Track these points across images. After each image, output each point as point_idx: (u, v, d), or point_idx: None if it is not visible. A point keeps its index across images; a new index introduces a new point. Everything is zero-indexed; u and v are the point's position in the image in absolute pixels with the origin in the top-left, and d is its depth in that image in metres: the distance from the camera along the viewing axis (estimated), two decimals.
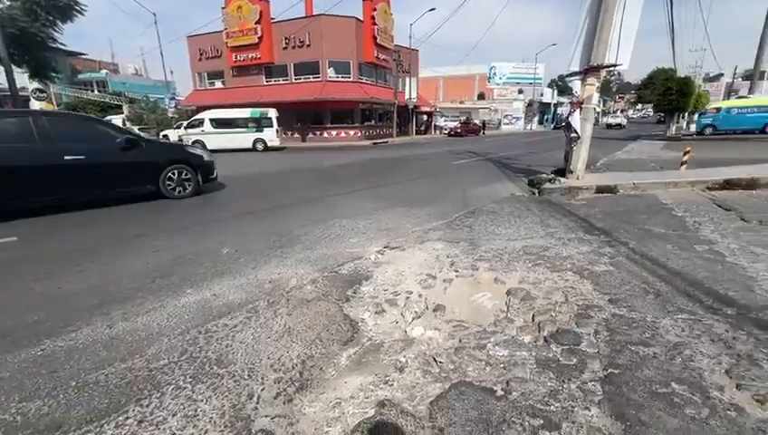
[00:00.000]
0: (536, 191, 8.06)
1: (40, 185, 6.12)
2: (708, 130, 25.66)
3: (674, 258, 3.76)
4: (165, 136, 27.78)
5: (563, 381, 2.06)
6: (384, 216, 6.36)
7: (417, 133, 40.29)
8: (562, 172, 8.96)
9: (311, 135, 30.90)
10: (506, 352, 2.42)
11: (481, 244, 4.72)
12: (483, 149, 19.81)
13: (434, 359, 2.43)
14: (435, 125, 45.57)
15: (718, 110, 25.99)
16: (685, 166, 8.63)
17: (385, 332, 2.84)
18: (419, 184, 9.79)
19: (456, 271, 3.93)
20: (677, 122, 30.87)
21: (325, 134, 30.78)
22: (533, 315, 2.91)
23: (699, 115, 26.98)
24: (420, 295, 3.44)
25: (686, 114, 30.26)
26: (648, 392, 1.91)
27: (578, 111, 8.12)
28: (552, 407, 1.86)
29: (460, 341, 2.65)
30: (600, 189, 7.43)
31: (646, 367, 2.12)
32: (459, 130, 37.69)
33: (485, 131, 42.92)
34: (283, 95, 30.04)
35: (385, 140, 30.82)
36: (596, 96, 8.14)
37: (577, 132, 8.15)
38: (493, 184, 9.46)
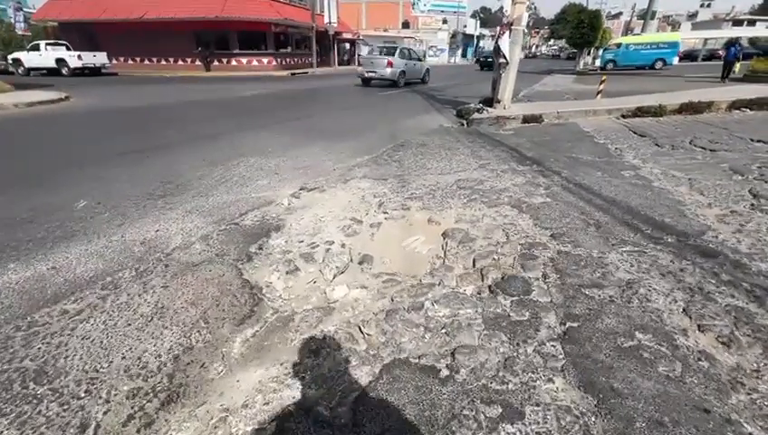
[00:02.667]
0: (465, 122, 7.68)
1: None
2: (610, 66, 27.56)
3: (606, 186, 3.62)
4: (16, 61, 21.66)
5: (518, 344, 1.68)
6: (301, 152, 5.45)
7: (339, 64, 37.29)
8: (490, 102, 8.65)
9: (216, 63, 26.58)
10: (448, 311, 1.97)
11: (411, 180, 4.19)
12: (411, 83, 18.83)
13: (360, 329, 1.89)
14: (359, 55, 42.53)
15: (619, 45, 27.81)
16: (600, 95, 8.87)
17: (299, 297, 2.22)
18: (343, 116, 8.80)
19: (385, 212, 3.37)
20: (585, 58, 32.69)
21: (234, 62, 26.70)
22: (474, 260, 2.50)
23: (603, 50, 28.69)
24: (344, 245, 2.83)
25: (592, 50, 32.03)
26: (614, 349, 1.60)
27: (507, 33, 7.60)
28: (509, 385, 1.45)
29: (392, 300, 2.14)
30: (526, 119, 7.28)
31: (605, 315, 1.82)
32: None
33: None
34: (175, 10, 24.74)
35: (304, 70, 27.84)
36: (525, 16, 7.64)
37: (506, 57, 7.71)
38: (421, 116, 8.86)
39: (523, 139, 6.01)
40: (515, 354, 1.62)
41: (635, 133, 5.81)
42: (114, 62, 25.21)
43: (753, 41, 35.83)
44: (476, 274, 2.35)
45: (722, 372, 1.46)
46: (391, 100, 11.98)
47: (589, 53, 33.86)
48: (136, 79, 19.96)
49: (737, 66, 13.26)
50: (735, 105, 6.69)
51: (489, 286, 2.18)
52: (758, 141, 4.74)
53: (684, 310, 1.83)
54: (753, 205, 2.94)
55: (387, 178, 4.30)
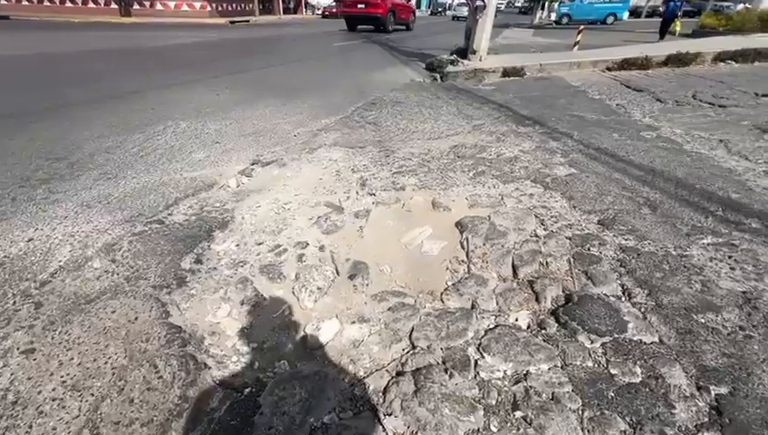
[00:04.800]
0: (439, 76, 6.77)
1: None
2: (565, 20, 27.28)
3: (633, 151, 3.02)
4: None
5: None
6: (250, 112, 4.32)
7: (285, 13, 33.70)
8: (463, 53, 7.75)
9: (136, 7, 22.63)
10: (510, 369, 1.25)
11: (395, 147, 3.33)
12: (365, 31, 17.17)
13: (378, 420, 1.12)
14: (306, 3, 38.68)
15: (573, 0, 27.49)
16: (577, 47, 8.28)
17: (263, 345, 1.39)
18: (297, 69, 7.48)
19: (372, 194, 2.54)
20: (541, 12, 32.10)
21: (158, 5, 22.87)
22: (515, 266, 1.79)
23: (558, 5, 28.28)
24: (323, 248, 2.00)
25: (547, 3, 31.42)
26: None
27: None
28: None
29: (413, 345, 1.38)
30: (506, 72, 6.52)
31: (754, 365, 1.19)
32: (335, 11, 32.76)
33: None
34: None
35: (245, 18, 24.60)
36: None
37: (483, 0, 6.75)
38: (387, 69, 7.77)
39: (509, 94, 5.28)
40: None
41: (629, 88, 5.29)
42: (3, 2, 20.61)
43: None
44: (524, 289, 1.64)
45: None
46: (350, 51, 10.63)
47: (543, 7, 33.29)
48: (32, 24, 16.34)
49: (677, 24, 12.56)
50: (721, 57, 6.39)
51: (554, 313, 1.48)
52: (763, 96, 4.38)
53: None
54: None
55: (364, 145, 3.41)
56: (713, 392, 1.11)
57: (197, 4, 23.35)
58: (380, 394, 1.21)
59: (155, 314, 1.50)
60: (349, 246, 2.05)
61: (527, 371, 1.23)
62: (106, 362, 1.27)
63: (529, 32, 21.06)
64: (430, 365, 1.29)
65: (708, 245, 1.81)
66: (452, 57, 7.38)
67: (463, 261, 1.88)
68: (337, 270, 1.86)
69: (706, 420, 1.04)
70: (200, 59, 8.24)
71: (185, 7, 23.16)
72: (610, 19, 26.01)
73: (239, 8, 26.36)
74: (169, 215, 2.23)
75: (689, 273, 1.62)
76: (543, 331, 1.40)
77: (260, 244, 2.04)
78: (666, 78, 5.72)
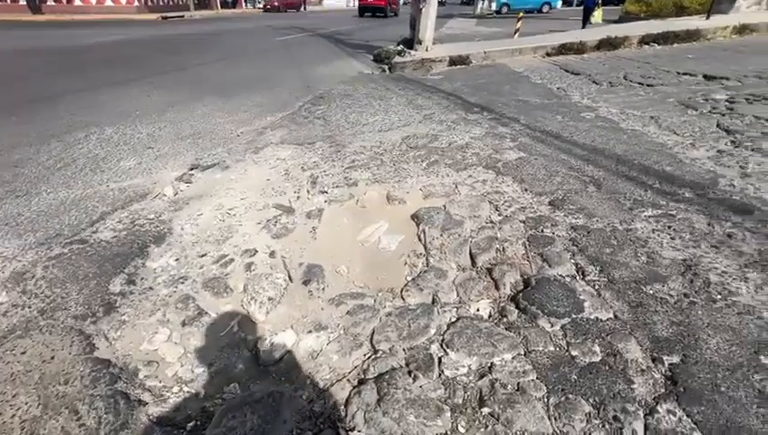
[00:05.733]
0: (387, 67, 6.69)
1: None
2: (505, 9, 28.25)
3: (575, 132, 3.13)
4: None
5: (615, 418, 1.00)
6: (187, 114, 4.00)
7: (223, 7, 32.00)
8: (410, 44, 7.72)
9: (51, 2, 20.40)
10: (475, 363, 1.21)
11: (347, 141, 3.22)
12: (309, 25, 16.73)
13: None
14: None
15: None
16: (518, 34, 8.54)
17: (210, 369, 1.25)
18: (239, 65, 7.08)
19: (324, 192, 2.42)
20: (482, 2, 32.98)
21: (77, 1, 20.78)
22: (472, 254, 1.76)
23: None
24: (273, 254, 1.86)
25: None
26: (756, 395, 1.01)
27: None
28: None
29: (374, 349, 1.31)
30: (453, 61, 6.58)
31: (701, 331, 1.25)
32: (276, 4, 31.61)
33: (306, 7, 37.51)
34: None
35: (179, 14, 23.01)
36: None
37: None
38: (334, 62, 7.58)
39: (457, 83, 5.32)
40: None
41: (567, 72, 5.52)
42: None
43: None
44: (483, 277, 1.62)
45: None
46: (295, 46, 10.27)
47: None
48: None
49: (597, 12, 12.40)
50: (645, 40, 6.86)
51: (514, 299, 1.47)
52: (684, 74, 4.74)
53: None
54: (733, 142, 2.69)
55: (313, 141, 3.26)
56: (666, 362, 1.13)
57: (123, 0, 21.52)
58: (342, 407, 1.12)
59: (76, 349, 1.30)
60: (302, 249, 1.93)
61: (491, 363, 1.19)
62: (13, 416, 1.07)
63: (472, 21, 21.57)
64: (393, 369, 1.22)
65: (650, 217, 1.89)
66: (399, 48, 7.32)
67: (421, 254, 1.83)
68: (290, 276, 1.74)
69: (663, 390, 1.05)
70: (131, 57, 7.56)
71: (109, 2, 21.24)
72: (546, 8, 27.27)
73: (172, 2, 24.62)
74: (94, 233, 1.98)
75: (635, 246, 1.68)
76: (505, 319, 1.38)
77: (203, 255, 1.87)
78: (599, 61, 6.05)
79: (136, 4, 21.70)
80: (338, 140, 3.26)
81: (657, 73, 4.92)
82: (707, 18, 8.18)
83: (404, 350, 1.30)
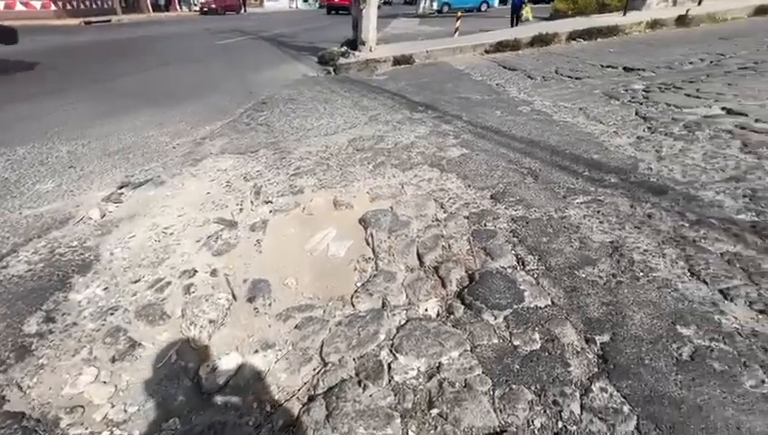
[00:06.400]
0: (332, 69, 6.63)
1: None
2: (446, 8, 29.08)
3: (513, 125, 3.27)
4: None
5: (555, 402, 1.05)
6: (115, 126, 3.71)
7: (155, 10, 30.06)
8: (354, 44, 7.70)
9: None
10: (423, 365, 1.22)
11: (291, 147, 3.14)
12: (250, 27, 16.19)
13: None
14: (181, 0, 34.93)
15: None
16: (458, 33, 8.81)
17: (145, 405, 1.15)
18: (174, 72, 6.68)
19: (269, 202, 2.34)
20: (424, 2, 33.71)
21: None
22: (419, 254, 1.78)
23: None
24: (215, 272, 1.77)
25: None
26: (675, 364, 1.11)
27: None
28: None
29: (324, 363, 1.28)
30: (397, 60, 6.65)
31: (627, 308, 1.34)
32: (214, 6, 30.21)
33: (246, 9, 36.26)
34: None
35: (105, 18, 21.27)
36: None
37: None
38: (278, 66, 7.39)
39: (402, 82, 5.38)
40: (564, 428, 0.98)
41: (505, 68, 5.77)
42: None
43: None
44: (431, 276, 1.64)
45: None
46: (236, 49, 9.88)
47: None
48: None
49: (526, 11, 12.45)
50: (572, 36, 7.34)
51: (459, 296, 1.49)
52: (607, 67, 5.13)
53: (692, 272, 1.48)
54: (649, 128, 2.94)
55: (256, 149, 3.15)
56: (598, 342, 1.21)
57: (38, 3, 19.54)
58: (290, 429, 1.08)
59: None
60: (246, 264, 1.85)
61: (439, 362, 1.21)
62: None
63: (415, 21, 21.97)
64: (343, 381, 1.20)
65: (581, 203, 2.02)
66: (343, 49, 7.28)
67: (370, 258, 1.82)
68: (234, 295, 1.65)
69: (596, 370, 1.12)
70: (47, 67, 6.86)
71: (19, 6, 19.20)
72: (484, 6, 28.39)
73: (95, 6, 22.73)
74: (4, 268, 1.77)
75: (569, 232, 1.78)
76: (452, 316, 1.40)
77: (136, 281, 1.73)
78: (533, 57, 6.39)
79: (53, 8, 19.79)
80: (282, 147, 3.17)
81: (584, 67, 5.28)
82: (624, 15, 8.93)
83: (354, 359, 1.28)
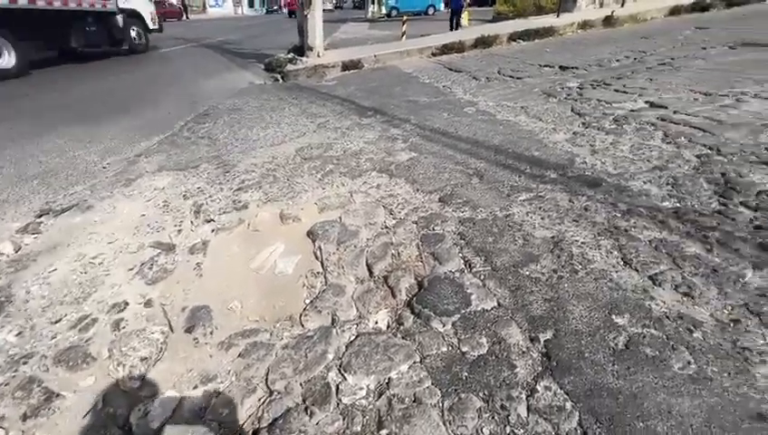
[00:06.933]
0: (280, 76, 6.47)
1: None
2: (394, 12, 29.51)
3: (460, 127, 3.34)
4: None
5: (503, 407, 1.05)
6: (33, 148, 3.36)
7: None
8: (301, 51, 7.57)
9: None
10: (373, 382, 1.18)
11: (236, 160, 3.00)
12: (194, 35, 15.50)
13: None
14: None
15: None
16: (405, 37, 8.93)
17: None
18: (108, 84, 6.21)
19: (210, 220, 2.21)
20: (373, 6, 34.00)
21: None
22: (369, 264, 1.74)
23: None
24: (149, 302, 1.63)
25: None
26: (611, 354, 1.16)
27: None
28: None
29: (270, 392, 1.20)
30: (346, 66, 6.62)
31: (568, 303, 1.38)
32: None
33: (188, 15, 34.70)
34: None
35: None
36: None
37: None
38: (222, 74, 7.10)
39: (351, 87, 5.35)
40: (512, 433, 0.98)
41: (451, 70, 5.91)
42: None
43: None
44: (380, 286, 1.60)
45: (725, 343, 1.18)
46: (176, 58, 9.41)
47: (373, 2, 35.33)
48: None
49: (465, 16, 12.12)
50: (512, 37, 7.68)
51: (409, 304, 1.47)
52: (545, 66, 5.39)
53: (625, 261, 1.56)
54: (584, 123, 3.11)
55: (197, 164, 2.97)
56: (542, 340, 1.23)
57: None
58: None
59: None
60: (185, 290, 1.72)
61: (389, 378, 1.17)
62: None
63: (365, 25, 22.09)
64: (289, 410, 1.13)
65: (524, 201, 2.08)
66: (290, 56, 7.13)
67: (319, 273, 1.76)
68: (171, 326, 1.53)
69: (540, 368, 1.14)
70: None
71: None
72: (431, 10, 29.11)
73: None
74: None
75: (513, 230, 1.82)
76: (402, 326, 1.38)
77: (57, 322, 1.55)
78: (477, 58, 6.61)
79: None
80: (226, 160, 3.02)
81: (524, 67, 5.53)
82: (558, 16, 9.49)
83: (301, 384, 1.21)
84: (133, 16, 9.24)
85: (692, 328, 1.23)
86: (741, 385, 1.04)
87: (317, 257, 1.85)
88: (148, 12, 9.95)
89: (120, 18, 8.64)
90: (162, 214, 2.31)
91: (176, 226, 2.19)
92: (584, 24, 8.36)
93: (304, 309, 1.56)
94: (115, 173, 2.88)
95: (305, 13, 6.90)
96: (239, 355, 1.37)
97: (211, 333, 1.49)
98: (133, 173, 2.87)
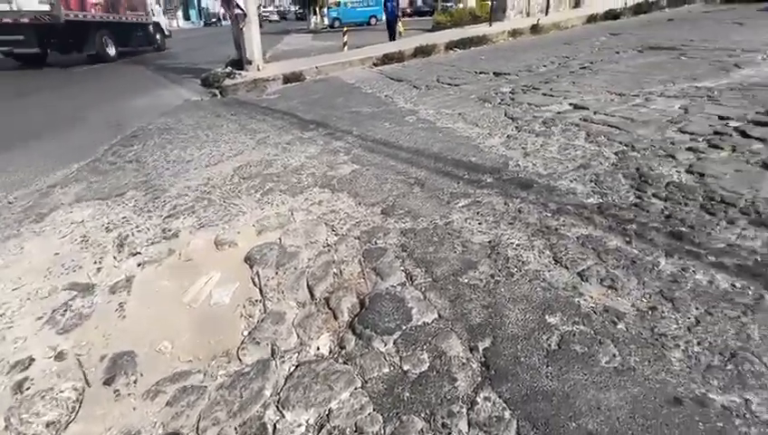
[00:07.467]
0: (218, 92, 6.21)
1: None
2: (337, 23, 29.69)
3: (401, 136, 3.37)
4: None
5: (443, 424, 1.03)
6: None
7: None
8: (239, 64, 7.33)
9: None
10: (313, 416, 1.12)
11: (167, 185, 2.81)
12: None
13: None
14: None
15: (338, 4, 30.24)
16: (346, 47, 8.97)
17: None
18: (24, 105, 5.60)
19: (136, 253, 2.03)
20: (315, 17, 33.98)
21: None
22: (310, 286, 1.68)
23: (328, 9, 30.60)
24: (61, 354, 1.46)
25: (318, 9, 33.47)
26: (545, 356, 1.19)
27: None
28: None
29: None
30: (287, 78, 6.51)
31: (505, 308, 1.41)
32: None
33: None
34: None
35: None
36: None
37: (242, 8, 6.48)
38: (154, 91, 6.70)
39: (293, 101, 5.25)
40: None
41: (392, 79, 6.00)
42: None
43: (425, 0, 45.45)
44: (322, 309, 1.55)
45: (644, 332, 1.26)
46: (103, 74, 8.76)
47: (315, 13, 35.33)
48: None
49: (400, 25, 11.93)
50: (449, 46, 7.98)
51: (351, 326, 1.43)
52: (480, 73, 5.64)
53: (556, 260, 1.63)
54: (516, 127, 3.27)
55: (123, 191, 2.74)
56: (480, 349, 1.24)
57: None
58: None
59: None
60: (105, 336, 1.55)
61: (329, 409, 1.12)
62: None
63: (308, 36, 21.99)
64: None
65: (463, 207, 2.12)
66: (227, 70, 6.88)
67: (257, 300, 1.66)
68: (86, 379, 1.36)
69: (480, 379, 1.14)
70: None
71: None
72: (373, 20, 29.61)
73: None
74: None
75: (453, 238, 1.85)
76: (344, 350, 1.33)
77: None
78: (417, 67, 6.78)
79: None
80: (156, 185, 2.81)
81: (461, 74, 5.75)
82: (490, 25, 10.03)
83: (235, 429, 1.12)
84: (158, 26, 13.98)
85: (616, 320, 1.30)
86: (659, 371, 1.11)
87: (255, 284, 1.75)
88: (164, 23, 14.90)
89: (152, 27, 13.42)
90: (80, 251, 2.09)
91: (95, 263, 1.98)
92: (514, 32, 8.90)
93: (242, 342, 1.46)
94: (23, 208, 2.57)
95: (240, 26, 6.71)
96: (167, 404, 1.24)
97: (135, 381, 1.34)
98: (46, 207, 2.58)
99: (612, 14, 10.81)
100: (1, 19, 8.19)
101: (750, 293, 1.37)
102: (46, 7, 8.24)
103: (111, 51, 10.75)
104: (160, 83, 7.54)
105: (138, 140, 3.87)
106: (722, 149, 2.50)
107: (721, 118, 2.97)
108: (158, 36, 13.71)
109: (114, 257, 2.02)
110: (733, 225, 1.76)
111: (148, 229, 2.24)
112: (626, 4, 11.91)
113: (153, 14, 13.44)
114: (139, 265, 1.95)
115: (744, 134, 2.66)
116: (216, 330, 1.56)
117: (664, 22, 9.61)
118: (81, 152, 3.58)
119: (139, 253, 2.03)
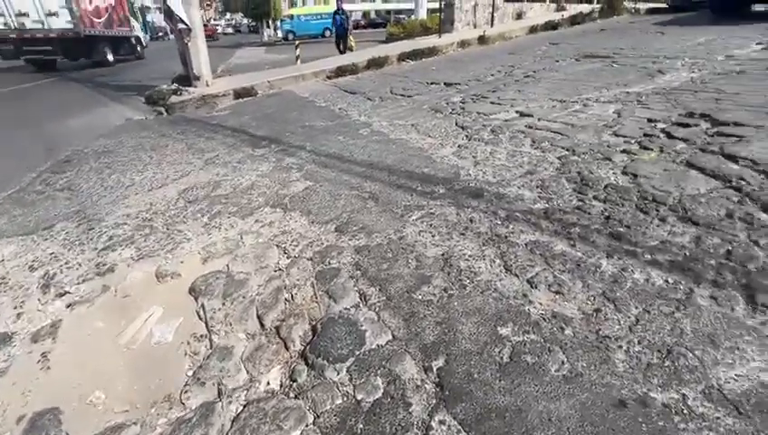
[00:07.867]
0: (163, 109, 5.91)
1: None
2: (290, 36, 29.49)
3: (354, 150, 3.35)
4: None
5: None
6: None
7: None
8: (187, 80, 7.03)
9: None
10: None
11: (103, 212, 2.60)
12: (61, 65, 13.51)
13: None
14: None
15: (292, 17, 30.08)
16: (299, 61, 8.89)
17: None
18: None
19: (65, 293, 1.84)
20: (268, 30, 33.57)
21: None
22: (259, 316, 1.59)
23: (281, 22, 30.34)
24: None
25: (271, 21, 33.15)
26: (497, 370, 1.18)
27: None
28: None
29: None
30: (238, 93, 6.32)
31: (458, 323, 1.39)
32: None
33: None
34: None
35: None
36: None
37: (185, 22, 6.24)
38: (92, 109, 6.27)
39: (245, 117, 5.10)
40: None
41: (346, 92, 6.00)
42: None
43: (378, 12, 46.34)
44: (273, 339, 1.46)
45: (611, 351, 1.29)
46: (33, 94, 8.08)
47: (268, 26, 34.93)
48: None
49: (351, 39, 11.72)
50: (402, 57, 8.13)
51: (303, 355, 1.36)
52: (431, 84, 5.77)
53: (506, 268, 1.65)
54: (467, 136, 3.35)
55: (52, 224, 2.50)
56: (434, 368, 1.22)
57: None
58: None
59: None
60: (25, 393, 1.38)
61: None
62: None
63: (261, 49, 21.64)
64: None
65: (416, 220, 2.12)
66: (174, 87, 6.57)
67: (203, 335, 1.55)
68: None
69: (434, 401, 1.11)
70: None
71: None
72: (327, 33, 29.67)
73: None
74: None
75: (406, 253, 1.83)
76: (295, 383, 1.26)
77: None
78: (370, 79, 6.83)
79: None
80: (90, 214, 2.59)
81: (413, 85, 5.85)
82: (440, 37, 10.35)
83: None
84: (138, 39, 16.23)
85: (564, 326, 1.33)
86: (605, 375, 1.14)
87: (201, 317, 1.64)
88: (142, 35, 17.27)
89: (134, 39, 15.69)
90: None
91: (15, 308, 1.78)
92: (463, 43, 9.24)
93: (185, 383, 1.35)
94: None
95: (185, 41, 6.45)
96: None
97: None
98: None
99: (551, 25, 11.54)
100: (35, 35, 11.17)
101: (681, 288, 1.45)
102: (71, 26, 11.30)
103: (110, 57, 13.31)
104: (98, 101, 7.07)
105: (71, 166, 3.58)
106: (651, 150, 2.69)
107: (649, 120, 3.21)
108: (138, 47, 16.27)
109: (38, 300, 1.82)
110: (664, 222, 1.87)
111: (80, 265, 2.05)
112: (563, 16, 12.77)
113: (134, 29, 15.90)
114: (67, 306, 1.77)
115: (669, 135, 2.89)
116: (158, 372, 1.44)
117: (597, 31, 10.37)
118: (4, 182, 3.25)
119: (69, 292, 1.85)
